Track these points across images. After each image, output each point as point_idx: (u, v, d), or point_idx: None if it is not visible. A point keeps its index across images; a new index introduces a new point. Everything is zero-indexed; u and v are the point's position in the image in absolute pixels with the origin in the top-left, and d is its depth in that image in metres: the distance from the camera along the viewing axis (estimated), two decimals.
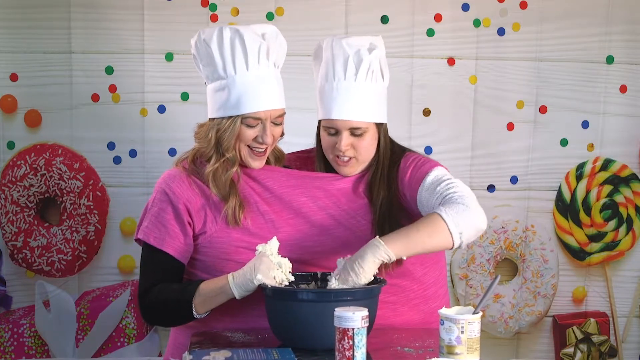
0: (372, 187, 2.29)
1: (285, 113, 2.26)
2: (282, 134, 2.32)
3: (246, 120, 2.20)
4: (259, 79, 2.20)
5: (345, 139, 2.25)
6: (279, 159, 2.38)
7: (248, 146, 2.24)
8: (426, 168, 2.24)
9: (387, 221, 2.24)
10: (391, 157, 2.32)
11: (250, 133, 2.21)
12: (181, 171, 2.26)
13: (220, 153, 2.23)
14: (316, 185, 2.30)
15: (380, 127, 2.31)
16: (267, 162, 2.33)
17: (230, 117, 2.20)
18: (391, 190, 2.27)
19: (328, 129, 2.28)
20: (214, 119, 2.24)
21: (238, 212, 2.21)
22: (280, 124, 2.26)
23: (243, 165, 2.28)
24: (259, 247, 2.09)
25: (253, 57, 2.19)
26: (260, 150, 2.24)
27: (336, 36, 2.30)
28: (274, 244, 2.10)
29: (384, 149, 2.32)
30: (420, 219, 2.10)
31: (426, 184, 2.19)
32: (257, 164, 2.27)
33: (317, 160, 2.38)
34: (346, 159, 2.28)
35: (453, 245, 2.07)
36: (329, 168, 2.36)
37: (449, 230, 2.04)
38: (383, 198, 2.27)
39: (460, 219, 2.05)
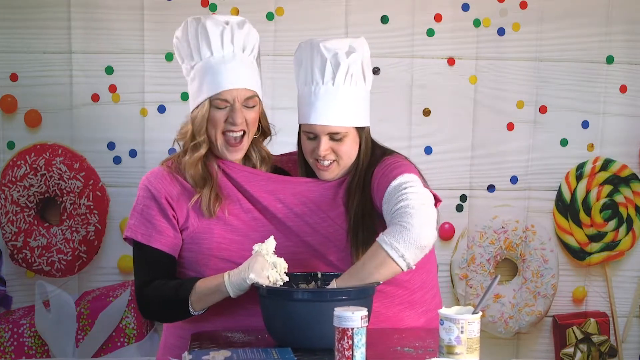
0: (349, 194, 2.27)
1: (256, 96, 2.25)
2: (270, 134, 2.32)
3: (214, 102, 2.20)
4: (222, 61, 2.20)
5: (325, 143, 2.23)
6: (265, 160, 2.35)
7: (223, 135, 2.23)
8: (391, 177, 2.18)
9: (360, 228, 2.22)
10: (370, 161, 2.29)
11: (219, 115, 2.21)
12: (164, 169, 2.28)
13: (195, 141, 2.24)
14: (296, 191, 2.29)
15: (362, 131, 2.28)
16: (253, 164, 2.32)
17: (201, 103, 2.21)
18: (365, 196, 2.25)
19: (307, 133, 2.26)
20: (192, 112, 2.26)
21: (213, 204, 2.21)
22: (254, 107, 2.24)
23: (222, 164, 2.27)
24: (255, 247, 2.09)
25: (216, 42, 2.20)
26: (234, 136, 2.23)
27: (314, 39, 2.27)
28: (270, 243, 2.09)
29: (364, 154, 2.29)
30: (366, 252, 2.08)
31: (386, 195, 2.16)
32: (233, 155, 2.26)
33: (299, 165, 2.36)
34: (327, 163, 2.26)
35: (402, 268, 2.03)
36: (310, 172, 2.34)
37: (390, 257, 2.01)
38: (357, 205, 2.24)
39: (398, 243, 2.01)
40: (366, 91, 2.29)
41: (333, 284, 2.05)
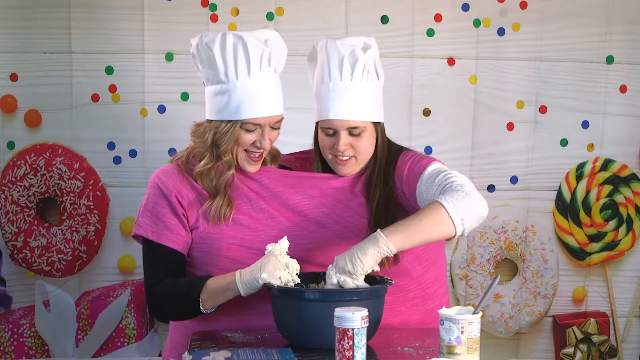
0: (370, 186, 2.29)
1: (283, 118, 2.27)
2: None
3: (245, 125, 2.20)
4: (260, 85, 2.20)
5: (344, 138, 2.26)
6: (275, 157, 2.38)
7: (245, 150, 2.25)
8: (424, 163, 2.24)
9: (383, 219, 2.24)
10: (388, 155, 2.33)
11: (248, 138, 2.22)
12: (174, 167, 2.28)
13: (215, 155, 2.23)
14: (312, 184, 2.31)
15: (378, 127, 2.32)
16: (263, 161, 2.34)
17: (230, 121, 2.21)
18: (387, 187, 2.28)
19: (326, 129, 2.29)
20: (211, 120, 2.24)
21: (224, 210, 2.22)
22: (278, 128, 2.27)
23: (238, 168, 2.29)
24: (269, 247, 2.10)
25: (255, 64, 2.19)
26: (256, 154, 2.25)
27: (330, 37, 2.31)
28: (283, 243, 2.10)
29: (381, 149, 2.33)
30: (421, 209, 2.09)
31: (424, 177, 2.19)
32: (252, 168, 2.28)
33: (315, 162, 2.38)
34: (345, 158, 2.29)
35: (455, 232, 2.04)
36: (326, 169, 2.36)
37: (450, 217, 2.03)
38: (380, 196, 2.27)
39: (461, 206, 2.03)
40: (379, 88, 2.33)
41: (378, 235, 2.02)
